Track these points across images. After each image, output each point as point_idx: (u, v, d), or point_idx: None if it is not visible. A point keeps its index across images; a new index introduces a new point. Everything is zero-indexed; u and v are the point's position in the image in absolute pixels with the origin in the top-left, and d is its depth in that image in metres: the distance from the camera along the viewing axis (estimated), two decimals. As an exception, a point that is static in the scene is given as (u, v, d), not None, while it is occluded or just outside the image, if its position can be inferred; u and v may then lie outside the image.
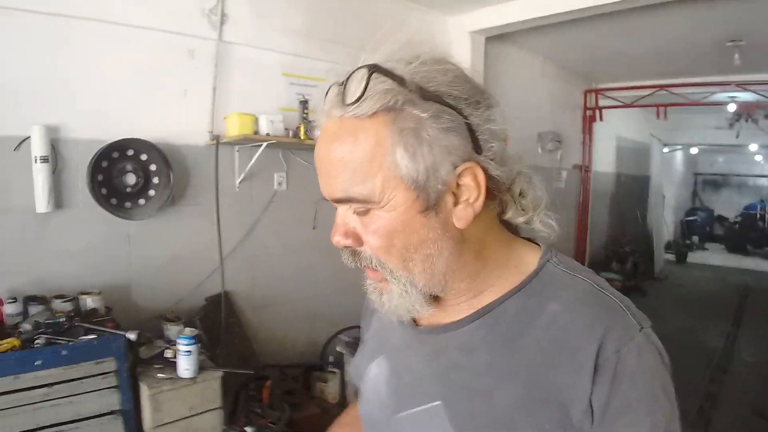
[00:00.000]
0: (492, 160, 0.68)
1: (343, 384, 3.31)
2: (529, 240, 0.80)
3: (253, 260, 3.23)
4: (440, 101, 0.65)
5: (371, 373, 0.87)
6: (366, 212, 0.68)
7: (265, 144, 2.91)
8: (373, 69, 0.64)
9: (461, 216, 0.68)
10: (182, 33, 2.86)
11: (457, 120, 0.65)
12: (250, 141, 2.92)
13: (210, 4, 2.94)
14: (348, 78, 0.66)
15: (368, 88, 0.64)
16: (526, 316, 0.70)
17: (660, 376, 0.65)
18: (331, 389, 3.31)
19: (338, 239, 0.71)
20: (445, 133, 0.64)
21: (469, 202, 0.68)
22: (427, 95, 0.64)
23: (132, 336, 2.18)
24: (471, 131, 0.66)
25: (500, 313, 0.71)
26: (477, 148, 0.67)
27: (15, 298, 2.21)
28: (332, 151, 0.66)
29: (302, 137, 3.01)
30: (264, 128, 2.90)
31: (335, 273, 3.55)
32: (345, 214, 0.71)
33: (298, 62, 3.31)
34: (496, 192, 0.71)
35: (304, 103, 3.15)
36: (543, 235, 0.76)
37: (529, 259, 0.75)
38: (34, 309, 2.22)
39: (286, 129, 3.00)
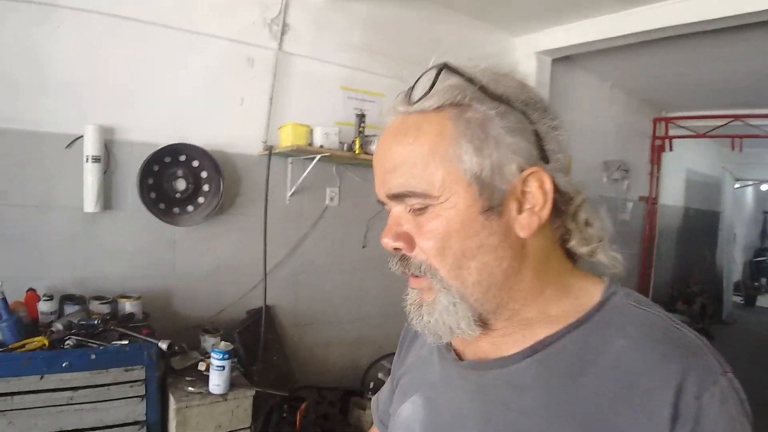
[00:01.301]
0: (561, 170, 0.65)
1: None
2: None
3: (298, 276, 3.13)
4: (507, 102, 0.62)
5: (404, 413, 0.78)
6: (423, 210, 0.64)
7: (318, 157, 2.82)
8: (443, 67, 0.63)
9: (525, 224, 0.63)
10: (243, 41, 2.83)
11: (524, 124, 0.62)
12: (303, 152, 2.84)
13: (272, 14, 2.91)
14: (417, 79, 0.65)
15: (436, 84, 0.62)
16: (588, 353, 0.61)
17: (743, 429, 0.55)
18: (368, 417, 3.14)
19: (388, 241, 0.66)
20: (511, 134, 0.62)
21: (534, 210, 0.63)
22: (494, 95, 0.62)
23: (163, 345, 2.09)
24: (538, 138, 0.63)
25: (559, 349, 0.63)
26: (543, 156, 0.63)
27: (51, 296, 2.16)
28: (393, 144, 0.64)
29: (357, 151, 2.91)
30: (318, 140, 2.81)
31: (384, 296, 3.41)
32: (399, 215, 0.67)
33: (357, 76, 3.23)
34: (562, 206, 0.66)
35: (361, 117, 3.05)
36: (606, 270, 0.69)
37: (593, 290, 0.68)
38: (69, 308, 2.18)
39: (341, 143, 2.90)
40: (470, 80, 0.62)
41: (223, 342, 2.23)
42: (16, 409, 1.87)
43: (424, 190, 0.62)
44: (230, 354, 2.19)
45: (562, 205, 0.66)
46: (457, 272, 0.63)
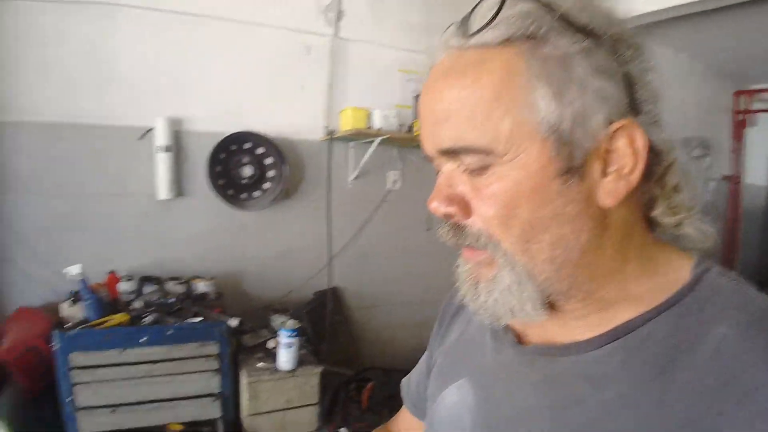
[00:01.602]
0: (654, 123, 0.52)
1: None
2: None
3: (363, 259, 3.17)
4: (595, 36, 0.49)
5: (448, 400, 0.68)
6: (482, 170, 0.51)
7: (378, 139, 2.84)
8: None
9: (611, 190, 0.51)
10: (300, 30, 2.90)
11: (613, 64, 0.50)
12: (363, 136, 2.87)
13: (326, 1, 2.96)
14: (476, 5, 0.52)
15: (502, 10, 0.49)
16: (681, 340, 0.50)
17: None
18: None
19: (437, 205, 0.54)
20: (598, 76, 0.49)
21: (621, 173, 0.51)
22: (578, 26, 0.49)
23: (233, 323, 2.18)
24: (629, 83, 0.51)
25: (645, 335, 0.52)
26: (634, 106, 0.51)
27: (131, 277, 2.31)
28: (445, 88, 0.52)
29: (416, 133, 2.91)
30: (377, 123, 2.83)
31: (449, 278, 3.36)
32: (451, 175, 0.54)
33: (414, 58, 3.22)
34: (655, 166, 0.53)
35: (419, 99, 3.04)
36: (692, 245, 0.57)
37: (681, 266, 0.56)
38: (147, 288, 2.31)
39: (400, 125, 2.91)
40: (547, 6, 0.49)
41: (291, 320, 2.30)
42: (99, 381, 2.01)
43: (485, 145, 0.50)
44: (298, 332, 2.25)
45: (655, 164, 0.54)
46: (525, 246, 0.52)
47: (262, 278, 2.84)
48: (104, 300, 2.16)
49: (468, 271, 0.59)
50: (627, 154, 0.50)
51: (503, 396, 0.61)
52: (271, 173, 2.84)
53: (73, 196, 2.48)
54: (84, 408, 2.02)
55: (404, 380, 0.92)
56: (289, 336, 2.21)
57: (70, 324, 2.03)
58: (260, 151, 2.81)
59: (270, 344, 2.38)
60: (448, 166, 0.54)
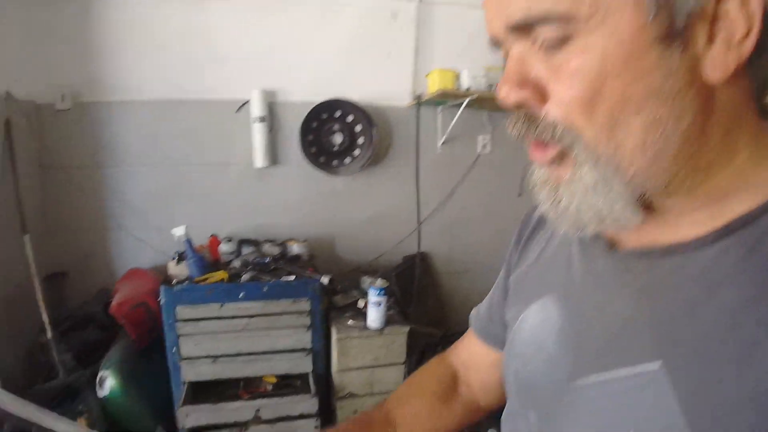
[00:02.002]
0: None
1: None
2: None
3: (452, 224, 3.16)
4: None
5: (530, 321, 0.61)
6: (562, 43, 0.42)
7: (466, 101, 2.80)
8: None
9: (719, 62, 0.41)
10: (385, -4, 2.91)
11: None
12: (450, 97, 2.84)
13: (413, -35, 2.93)
14: None
15: None
16: None
17: None
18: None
19: (507, 92, 0.46)
20: None
21: (731, 41, 0.41)
22: None
23: (325, 280, 2.28)
24: None
25: (765, 228, 0.43)
26: None
27: (230, 239, 2.48)
28: None
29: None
30: (465, 83, 2.79)
31: (541, 246, 3.30)
32: (524, 56, 0.46)
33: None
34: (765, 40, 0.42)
35: (510, 59, 2.94)
36: None
37: None
38: (246, 250, 2.47)
39: (489, 85, 2.85)
40: None
41: (380, 279, 2.36)
42: (201, 333, 2.19)
43: (565, 9, 0.41)
44: (386, 291, 2.30)
45: (766, 36, 0.43)
46: (611, 133, 0.43)
47: (353, 242, 2.93)
48: (206, 260, 2.33)
49: (543, 176, 0.51)
50: (738, 18, 0.40)
51: (594, 311, 0.53)
52: (360, 140, 2.89)
53: (177, 167, 2.71)
54: (187, 358, 2.21)
55: (473, 310, 0.88)
56: (377, 294, 2.27)
57: (175, 281, 2.22)
58: (350, 118, 2.87)
59: (360, 304, 2.46)
60: (519, 47, 0.46)
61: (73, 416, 2.35)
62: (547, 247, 0.67)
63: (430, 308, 2.95)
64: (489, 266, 3.26)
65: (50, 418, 0.72)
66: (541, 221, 0.71)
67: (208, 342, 2.19)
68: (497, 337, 0.77)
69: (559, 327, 0.57)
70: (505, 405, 0.68)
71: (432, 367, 0.91)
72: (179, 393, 2.21)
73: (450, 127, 3.01)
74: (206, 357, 2.20)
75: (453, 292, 3.19)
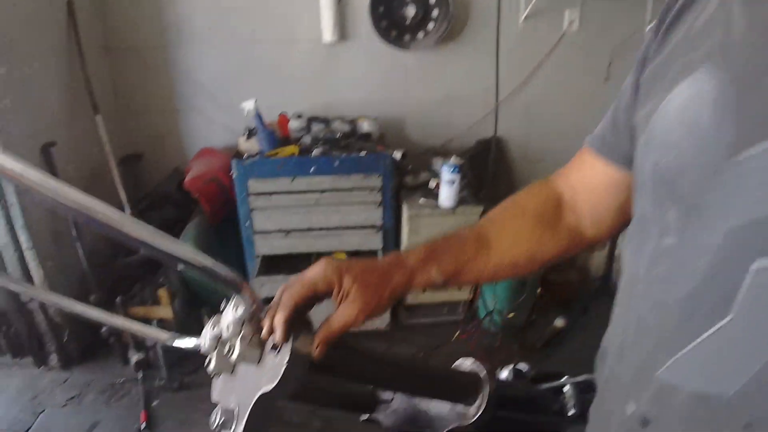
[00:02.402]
0: None
1: (610, 258, 2.93)
2: None
3: (530, 108, 2.95)
4: None
5: (675, 103, 0.51)
6: None
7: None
8: None
9: None
10: None
11: None
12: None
13: None
14: None
15: None
16: None
17: None
18: (596, 260, 2.97)
19: None
20: None
21: None
22: None
23: (397, 155, 2.19)
24: None
25: None
26: None
27: (300, 115, 2.41)
28: None
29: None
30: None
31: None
32: None
33: None
34: None
35: None
36: None
37: None
38: (315, 127, 2.39)
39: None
40: None
41: (454, 156, 2.24)
42: (273, 207, 2.18)
43: None
44: (460, 169, 2.19)
45: None
46: None
47: (424, 122, 2.81)
48: (276, 135, 2.27)
49: None
50: None
51: (760, 70, 0.43)
52: (435, 13, 2.68)
53: (245, 45, 2.62)
54: (260, 232, 2.22)
55: (588, 137, 0.75)
56: (451, 172, 2.17)
57: (246, 155, 2.19)
58: (424, -12, 2.65)
59: (431, 184, 2.37)
60: None
61: (154, 288, 2.46)
62: (696, 22, 0.54)
63: (502, 195, 2.81)
64: (567, 156, 3.05)
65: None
66: (688, 1, 0.58)
67: (280, 216, 2.18)
68: (620, 151, 0.65)
69: (714, 97, 0.46)
70: (611, 238, 0.60)
71: (534, 190, 0.79)
72: (253, 266, 2.24)
73: (533, 0, 2.73)
74: (278, 231, 2.20)
75: (526, 182, 3.01)
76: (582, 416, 0.74)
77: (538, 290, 2.69)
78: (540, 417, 0.84)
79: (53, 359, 2.59)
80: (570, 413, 0.79)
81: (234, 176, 2.14)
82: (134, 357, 2.42)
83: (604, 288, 3.02)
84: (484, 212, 2.26)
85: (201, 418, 2.25)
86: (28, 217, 2.26)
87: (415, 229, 2.22)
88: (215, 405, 0.64)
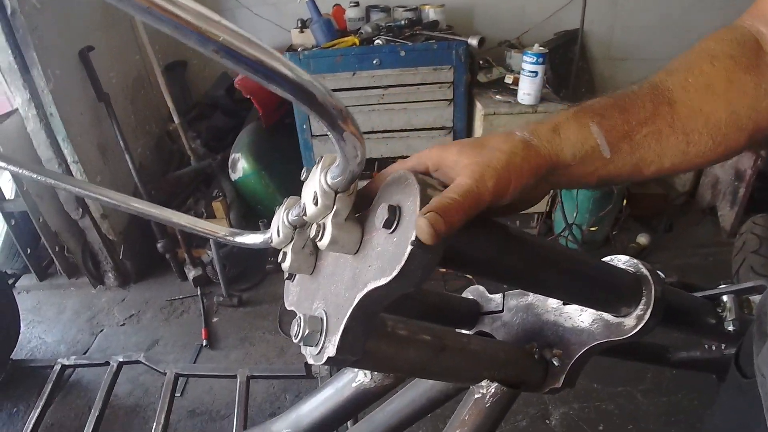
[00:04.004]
0: None
1: (698, 171, 2.63)
2: None
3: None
4: None
5: None
6: None
7: None
8: None
9: None
10: None
11: None
12: None
13: None
14: None
15: None
16: None
17: None
18: (682, 175, 2.67)
19: None
20: None
21: None
22: None
23: (473, 41, 1.92)
24: None
25: None
26: None
27: (357, 3, 2.14)
28: None
29: None
30: None
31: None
32: None
33: None
34: None
35: None
36: None
37: None
38: (375, 16, 2.13)
39: None
40: None
41: (536, 44, 1.95)
42: (333, 108, 1.95)
43: None
44: (545, 58, 1.91)
45: None
46: None
47: (496, 14, 2.50)
48: (333, 26, 2.03)
49: None
50: None
51: None
52: None
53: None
54: (318, 135, 2.02)
55: None
56: (534, 62, 1.89)
57: (301, 48, 1.96)
58: None
59: (507, 79, 2.09)
60: None
61: (208, 201, 2.32)
62: None
63: (582, 96, 2.52)
64: (652, 56, 2.71)
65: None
66: None
67: (338, 117, 1.96)
68: None
69: None
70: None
71: (718, 34, 0.55)
72: (311, 172, 2.06)
73: None
74: (338, 134, 1.99)
75: (606, 82, 2.72)
76: (739, 335, 0.64)
77: (624, 203, 2.44)
78: (695, 331, 0.71)
79: (109, 278, 2.52)
80: (729, 329, 0.66)
81: (310, 73, 1.93)
82: (191, 273, 2.32)
83: (691, 204, 2.74)
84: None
85: (262, 335, 2.15)
86: (71, 128, 2.12)
87: (490, 130, 1.97)
88: (280, 319, 0.46)
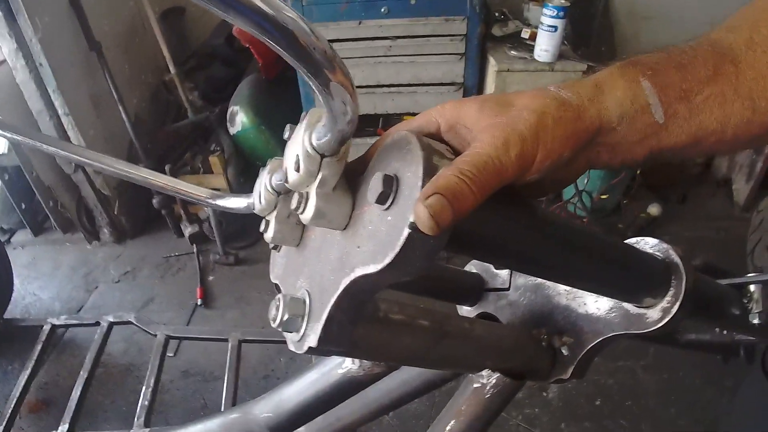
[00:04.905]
0: None
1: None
2: None
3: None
4: None
5: None
6: None
7: None
8: None
9: None
10: None
11: None
12: None
13: None
14: None
15: None
16: None
17: None
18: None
19: None
20: None
21: None
22: None
23: (487, -9, 1.79)
24: None
25: None
26: None
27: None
28: None
29: None
30: None
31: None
32: None
33: None
34: None
35: None
36: None
37: None
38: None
39: None
40: None
41: (556, -3, 1.82)
42: (336, 59, 1.84)
43: None
44: (566, 12, 1.78)
45: None
46: None
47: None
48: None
49: None
50: None
51: None
52: None
53: None
54: (322, 89, 1.90)
55: None
56: (554, 16, 1.77)
57: (304, -6, 1.84)
58: None
59: (524, 34, 1.97)
60: None
61: (205, 156, 2.23)
62: None
63: (603, 55, 2.39)
64: (677, 15, 2.56)
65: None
66: None
67: (341, 68, 1.85)
68: None
69: None
70: None
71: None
72: (313, 129, 1.96)
73: None
74: (341, 88, 1.89)
75: (629, 42, 2.57)
76: (765, 329, 0.59)
77: (638, 171, 2.34)
78: (718, 323, 0.66)
79: (105, 234, 2.45)
80: (755, 321, 0.59)
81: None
82: (188, 230, 2.25)
83: (705, 175, 2.64)
84: (586, 72, 1.88)
85: (258, 295, 2.10)
86: (61, 79, 2.02)
87: (503, 86, 1.86)
88: (276, 286, 0.41)
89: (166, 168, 2.17)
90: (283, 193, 0.37)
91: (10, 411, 1.22)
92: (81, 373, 1.29)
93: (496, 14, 2.06)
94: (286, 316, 0.34)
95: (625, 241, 0.46)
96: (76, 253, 2.45)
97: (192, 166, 2.21)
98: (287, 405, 0.55)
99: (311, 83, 0.24)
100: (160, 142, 2.36)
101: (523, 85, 1.86)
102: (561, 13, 1.77)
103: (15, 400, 1.25)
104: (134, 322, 1.41)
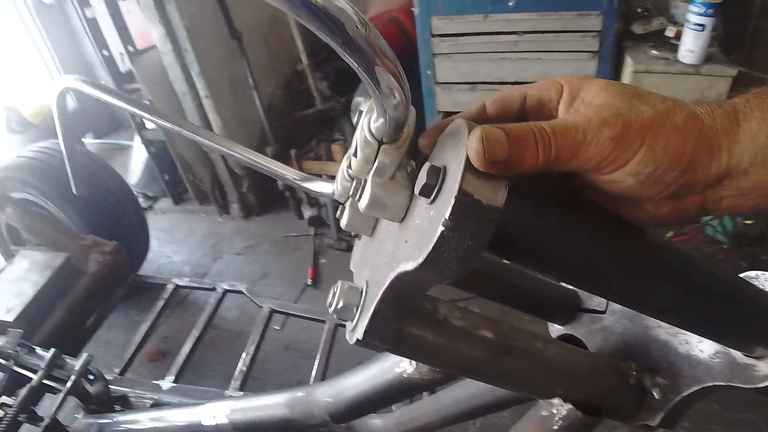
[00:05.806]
0: None
1: None
2: None
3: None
4: None
5: None
6: None
7: None
8: None
9: None
10: None
11: None
12: None
13: None
14: None
15: None
16: None
17: None
18: None
19: None
20: None
21: None
22: None
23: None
24: None
25: None
26: None
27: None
28: None
29: None
30: None
31: None
32: None
33: None
34: None
35: None
36: None
37: None
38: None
39: None
40: None
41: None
42: (459, 53, 1.81)
43: None
44: (715, 10, 1.62)
45: None
46: None
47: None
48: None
49: None
50: None
51: None
52: None
53: None
54: (443, 83, 1.91)
55: None
56: (701, 14, 1.61)
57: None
58: None
59: (668, 33, 1.81)
60: None
61: (329, 143, 2.32)
62: None
63: (758, 60, 2.13)
64: None
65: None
66: None
67: (467, 65, 1.83)
68: None
69: None
70: None
71: None
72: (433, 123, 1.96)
73: None
74: (464, 83, 1.88)
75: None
76: None
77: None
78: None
79: (234, 209, 2.64)
80: None
81: (415, 13, 1.82)
82: (307, 213, 2.36)
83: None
84: (737, 78, 1.69)
85: (366, 282, 2.15)
86: (204, 64, 2.19)
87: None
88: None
89: (291, 152, 2.28)
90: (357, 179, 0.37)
91: (129, 356, 1.37)
92: (193, 331, 1.41)
93: (639, 10, 1.91)
94: (341, 304, 0.34)
95: (741, 275, 0.40)
96: (208, 224, 2.67)
97: (316, 153, 2.31)
98: (346, 394, 0.55)
99: (355, 68, 0.25)
100: (289, 127, 2.49)
101: (662, 89, 1.71)
102: (710, 11, 1.60)
103: (135, 346, 1.40)
104: (245, 292, 1.51)
